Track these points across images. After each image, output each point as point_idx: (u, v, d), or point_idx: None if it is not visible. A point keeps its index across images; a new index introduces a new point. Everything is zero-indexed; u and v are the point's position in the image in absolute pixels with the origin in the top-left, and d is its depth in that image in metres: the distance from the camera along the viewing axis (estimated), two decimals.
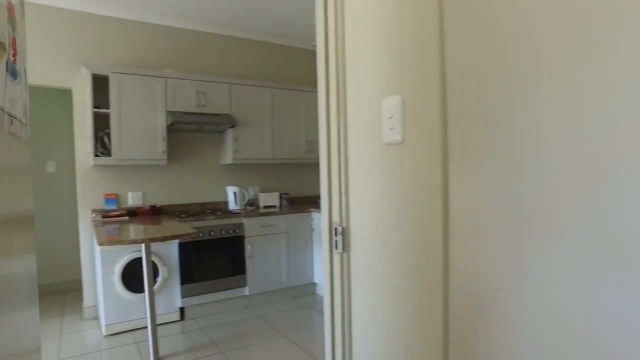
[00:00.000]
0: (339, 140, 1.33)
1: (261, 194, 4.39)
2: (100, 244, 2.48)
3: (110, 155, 3.53)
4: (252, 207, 4.33)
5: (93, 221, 3.48)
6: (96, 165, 3.69)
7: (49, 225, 4.53)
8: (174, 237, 2.62)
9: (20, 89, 0.83)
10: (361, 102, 1.25)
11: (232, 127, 4.00)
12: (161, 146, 3.71)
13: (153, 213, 3.78)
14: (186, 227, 2.94)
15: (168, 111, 3.72)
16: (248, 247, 3.86)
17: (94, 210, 3.70)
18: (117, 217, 3.57)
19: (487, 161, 0.86)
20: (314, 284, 4.33)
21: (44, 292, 4.46)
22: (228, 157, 4.14)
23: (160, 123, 3.70)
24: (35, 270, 1.09)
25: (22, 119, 0.84)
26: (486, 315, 0.86)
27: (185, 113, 3.78)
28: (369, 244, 1.24)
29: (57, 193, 4.55)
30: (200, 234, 3.62)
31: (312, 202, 4.84)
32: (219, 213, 3.85)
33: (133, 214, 3.79)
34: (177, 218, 3.59)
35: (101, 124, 3.62)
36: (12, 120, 0.74)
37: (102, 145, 3.59)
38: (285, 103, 4.37)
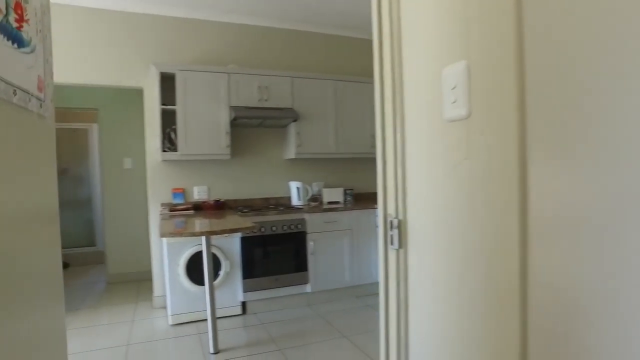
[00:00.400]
0: (394, 120, 1.16)
1: (325, 190, 4.28)
2: (162, 235, 2.51)
3: (176, 151, 3.62)
4: (315, 202, 4.24)
5: (161, 214, 3.58)
6: (164, 161, 3.81)
7: (127, 218, 4.79)
8: (231, 231, 2.59)
9: (34, 60, 0.76)
10: (419, 74, 1.07)
11: (295, 121, 3.93)
12: (224, 141, 3.73)
13: (217, 207, 3.82)
14: (246, 222, 2.90)
15: (231, 106, 3.74)
16: (310, 244, 3.77)
17: (162, 204, 3.82)
18: (183, 211, 3.65)
19: (586, 137, 0.65)
20: (378, 284, 4.13)
21: (121, 280, 4.72)
22: (291, 152, 4.09)
23: (223, 118, 3.73)
24: (60, 263, 1.05)
25: (36, 92, 0.77)
26: (583, 338, 0.65)
27: (247, 108, 3.77)
28: (429, 240, 1.06)
29: (132, 188, 4.79)
30: (262, 229, 3.59)
31: (377, 198, 4.65)
32: (281, 208, 3.80)
33: (198, 208, 3.86)
34: (239, 213, 3.59)
35: (168, 120, 3.72)
36: (15, 91, 0.67)
37: (169, 141, 3.69)
38: (348, 96, 4.23)
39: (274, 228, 3.64)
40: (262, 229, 3.60)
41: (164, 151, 3.60)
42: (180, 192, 3.89)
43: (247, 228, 2.67)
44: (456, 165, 0.94)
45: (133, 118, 4.74)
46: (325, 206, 4.00)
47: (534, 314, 0.74)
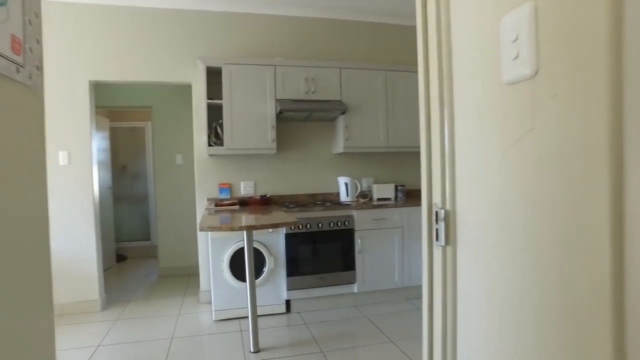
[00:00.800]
0: (440, 90, 0.96)
1: (375, 186, 4.08)
2: (200, 229, 2.44)
3: (222, 145, 3.58)
4: (364, 199, 4.05)
5: (206, 209, 3.56)
6: (210, 155, 3.79)
7: (177, 214, 4.86)
8: (272, 226, 2.47)
9: (5, 14, 0.65)
10: (470, 29, 0.87)
11: (343, 113, 3.76)
12: (271, 135, 3.64)
13: (263, 203, 3.75)
14: (289, 217, 2.78)
15: (277, 99, 3.65)
16: (358, 242, 3.59)
17: (209, 199, 3.81)
18: (228, 206, 3.60)
19: None
20: None
21: (172, 274, 4.79)
22: (339, 146, 3.92)
23: (269, 111, 3.64)
24: (49, 272, 0.95)
25: (10, 53, 0.67)
26: None
27: (294, 100, 3.66)
28: (482, 236, 0.85)
29: (183, 183, 4.85)
30: (308, 226, 3.46)
31: None
32: (328, 204, 3.65)
33: (244, 203, 3.81)
34: (284, 208, 3.48)
35: (215, 114, 3.70)
36: None
37: (215, 136, 3.66)
38: (399, 86, 3.99)
39: (320, 224, 3.50)
40: (308, 226, 3.47)
41: (210, 145, 3.58)
42: (227, 187, 3.85)
43: (288, 223, 2.54)
44: (517, 140, 0.74)
45: (184, 115, 4.80)
46: (375, 202, 3.80)
47: (635, 330, 0.52)
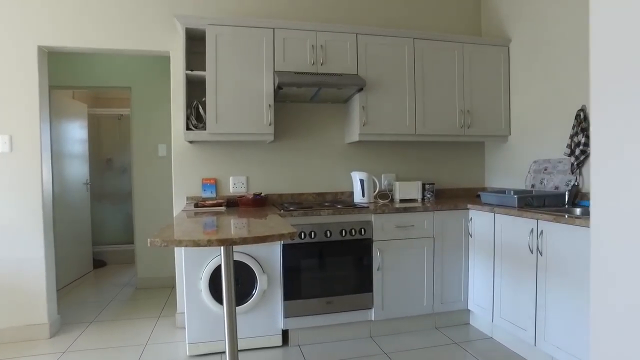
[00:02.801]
0: None
1: (397, 183, 3.23)
2: (150, 243, 1.62)
3: (205, 129, 2.76)
4: (385, 199, 3.21)
5: (184, 210, 2.74)
6: (192, 143, 2.98)
7: (159, 214, 4.06)
8: (255, 240, 1.64)
9: None
10: None
11: (360, 90, 2.92)
12: (267, 117, 2.82)
13: (257, 204, 2.92)
14: (284, 225, 1.95)
15: (276, 71, 2.82)
16: (377, 255, 2.75)
17: (189, 198, 3.00)
18: (211, 207, 2.78)
19: None
20: (467, 312, 3.02)
21: (151, 285, 3.99)
22: (353, 133, 3.08)
23: (266, 87, 2.82)
24: None
25: None
26: None
27: (297, 73, 2.83)
28: None
29: (167, 178, 4.05)
30: (312, 234, 2.63)
31: (468, 196, 3.51)
32: (339, 206, 2.81)
33: (233, 203, 2.99)
34: (283, 211, 2.65)
35: (196, 90, 2.90)
36: None
37: (196, 117, 2.84)
38: (430, 59, 3.14)
39: (328, 233, 2.66)
40: (313, 234, 2.63)
41: (189, 129, 2.76)
42: (212, 184, 3.03)
43: (281, 236, 1.71)
44: None
45: (168, 97, 4.00)
46: (398, 205, 2.96)
47: None
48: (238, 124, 2.77)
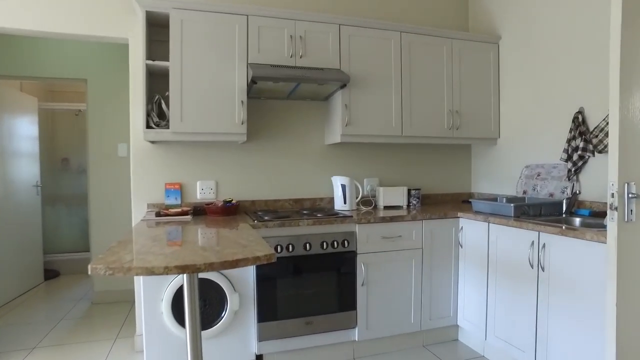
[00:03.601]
0: None
1: (381, 189, 2.96)
2: (92, 271, 1.27)
3: (167, 127, 2.40)
4: (368, 207, 2.93)
5: (144, 220, 2.38)
6: (153, 143, 2.61)
7: (119, 220, 3.65)
8: (224, 266, 1.31)
9: None
10: None
11: (343, 87, 2.62)
12: (239, 114, 2.48)
13: (227, 212, 2.58)
14: (259, 242, 1.63)
15: (250, 64, 2.49)
16: (362, 269, 2.46)
17: (151, 205, 2.62)
18: (175, 217, 2.43)
19: None
20: (456, 328, 2.79)
21: (109, 300, 3.57)
22: (335, 134, 2.79)
23: (238, 81, 2.48)
24: None
25: None
26: None
27: (273, 66, 2.51)
28: None
29: (127, 180, 3.64)
30: (290, 247, 2.32)
31: (454, 202, 3.28)
32: (319, 215, 2.51)
33: (200, 211, 2.64)
34: (256, 221, 2.33)
35: (159, 83, 2.54)
36: None
37: (158, 114, 2.48)
38: (419, 55, 2.88)
39: (308, 245, 2.35)
40: (290, 247, 2.32)
41: (150, 127, 2.39)
42: (176, 189, 2.67)
43: (252, 261, 1.39)
44: None
45: (128, 90, 3.60)
46: (383, 212, 2.69)
47: None
48: (206, 123, 2.43)
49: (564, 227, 1.96)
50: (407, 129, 2.84)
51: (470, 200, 2.75)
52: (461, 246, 2.67)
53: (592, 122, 2.41)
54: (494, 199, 2.80)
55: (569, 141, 2.49)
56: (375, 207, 2.98)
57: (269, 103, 2.89)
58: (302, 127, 2.96)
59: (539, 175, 2.74)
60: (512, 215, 2.37)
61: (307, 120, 2.98)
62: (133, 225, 2.60)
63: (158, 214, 2.45)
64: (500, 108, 3.11)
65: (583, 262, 1.84)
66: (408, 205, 3.02)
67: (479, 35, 3.02)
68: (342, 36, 2.68)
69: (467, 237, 2.62)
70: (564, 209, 2.43)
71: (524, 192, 2.83)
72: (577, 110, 2.48)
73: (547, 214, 2.44)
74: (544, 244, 2.06)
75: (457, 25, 3.39)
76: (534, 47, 2.81)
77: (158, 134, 2.37)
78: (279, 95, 2.80)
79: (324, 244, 2.39)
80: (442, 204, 3.23)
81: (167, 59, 2.44)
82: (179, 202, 2.67)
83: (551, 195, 2.62)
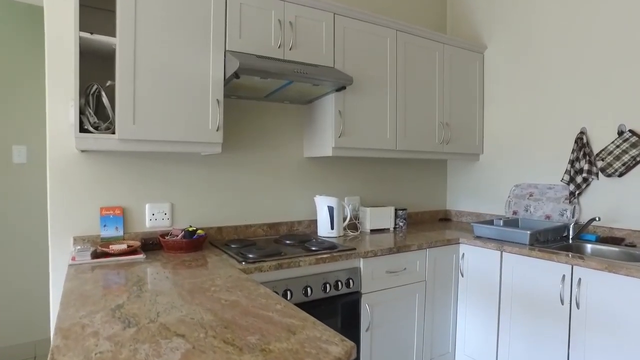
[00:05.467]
0: None
1: (368, 210, 2.49)
2: None
3: (112, 132, 1.64)
4: (354, 231, 2.45)
5: (72, 264, 1.58)
6: (83, 152, 1.81)
7: (15, 255, 2.64)
8: None
9: None
10: None
11: (341, 89, 2.09)
12: (213, 118, 1.81)
13: (193, 246, 1.88)
14: (287, 309, 1.06)
15: (230, 51, 1.84)
16: (367, 312, 1.97)
17: (78, 240, 1.81)
18: (122, 256, 1.67)
19: None
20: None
21: (5, 356, 2.57)
22: (323, 146, 2.25)
23: (213, 73, 1.81)
24: None
25: None
26: None
27: (260, 57, 1.89)
28: None
29: (28, 198, 2.65)
30: (289, 294, 1.73)
31: (432, 221, 2.95)
32: (312, 247, 1.96)
33: (153, 246, 1.90)
34: (243, 262, 1.69)
35: (95, 68, 1.76)
36: None
37: (96, 111, 1.69)
38: (413, 58, 2.49)
39: (309, 290, 1.78)
40: (289, 294, 1.73)
41: (84, 131, 1.61)
42: (117, 215, 1.89)
43: None
44: None
45: (36, 72, 2.63)
46: (370, 237, 2.24)
47: None
48: (168, 128, 1.71)
49: (612, 261, 1.70)
50: (402, 142, 2.43)
51: (472, 223, 2.42)
52: (462, 275, 2.34)
53: (595, 144, 2.25)
54: (489, 221, 2.51)
55: (571, 162, 2.30)
56: (360, 231, 2.51)
57: (240, 104, 2.24)
58: (279, 135, 2.36)
59: (531, 195, 2.53)
60: (527, 243, 2.09)
61: (285, 127, 2.39)
62: (51, 272, 1.76)
63: (96, 254, 1.67)
64: (485, 123, 2.87)
65: (634, 301, 1.60)
66: (395, 228, 2.61)
67: (467, 42, 2.73)
68: (337, 28, 2.16)
69: (471, 265, 2.29)
70: (572, 233, 2.23)
71: (514, 213, 2.61)
72: (580, 131, 2.30)
73: (552, 239, 2.22)
74: (580, 278, 1.80)
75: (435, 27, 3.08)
76: (526, 62, 2.60)
77: (98, 141, 1.59)
78: (256, 95, 2.17)
79: (326, 285, 1.84)
80: (422, 224, 2.89)
81: (110, 34, 1.67)
82: (120, 233, 1.89)
83: (548, 217, 2.42)
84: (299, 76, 1.85)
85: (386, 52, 2.34)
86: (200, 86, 1.78)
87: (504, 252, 2.11)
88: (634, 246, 2.05)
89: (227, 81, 1.85)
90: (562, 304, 1.87)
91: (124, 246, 1.75)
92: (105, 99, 1.67)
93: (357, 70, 2.24)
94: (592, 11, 2.27)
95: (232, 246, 1.97)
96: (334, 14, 2.14)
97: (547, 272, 1.92)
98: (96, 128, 1.63)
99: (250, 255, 1.75)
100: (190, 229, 1.92)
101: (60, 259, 1.77)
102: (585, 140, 2.26)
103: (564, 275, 1.86)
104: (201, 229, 2.08)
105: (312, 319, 1.04)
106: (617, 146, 2.13)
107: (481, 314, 2.23)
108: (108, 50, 1.71)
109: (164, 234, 1.94)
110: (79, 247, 1.74)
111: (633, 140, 2.08)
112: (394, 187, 2.85)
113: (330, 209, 2.28)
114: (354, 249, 1.96)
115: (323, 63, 2.11)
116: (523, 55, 2.61)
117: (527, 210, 2.53)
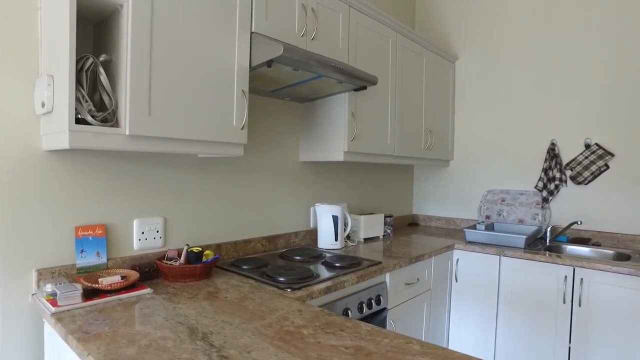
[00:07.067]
0: None
1: (362, 218, 2.30)
2: None
3: (115, 124, 1.17)
4: (351, 241, 2.24)
5: (57, 312, 1.08)
6: (52, 152, 1.28)
7: None
8: None
9: None
10: None
11: (361, 89, 1.87)
12: (239, 113, 1.44)
13: (203, 273, 1.47)
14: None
15: (257, 33, 1.48)
16: (392, 329, 1.79)
17: (45, 273, 1.26)
18: (118, 294, 1.21)
19: None
20: None
21: None
22: (333, 150, 1.98)
23: (238, 59, 1.43)
24: None
25: None
26: None
27: (292, 46, 1.56)
28: None
29: None
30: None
31: (403, 226, 2.89)
32: (336, 264, 1.71)
33: (149, 274, 1.44)
34: (273, 286, 1.36)
35: (81, 37, 1.27)
36: None
37: (91, 94, 1.19)
38: (408, 62, 2.38)
39: (349, 313, 1.54)
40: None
41: (81, 122, 1.11)
42: (98, 237, 1.38)
43: None
44: None
45: None
46: (364, 247, 2.08)
47: None
48: (190, 123, 1.30)
49: (611, 262, 1.82)
50: (399, 148, 2.30)
51: (464, 229, 2.40)
52: (456, 280, 2.31)
53: (564, 154, 2.44)
54: (473, 226, 2.53)
55: (545, 171, 2.45)
56: (355, 240, 2.31)
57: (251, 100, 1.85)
58: (277, 136, 2.03)
59: (503, 200, 2.64)
60: (523, 247, 2.15)
61: (283, 127, 2.06)
62: (10, 314, 1.20)
63: (87, 294, 1.17)
64: (455, 130, 2.91)
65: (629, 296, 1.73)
66: (384, 235, 2.47)
67: (444, 51, 2.72)
68: (351, 22, 1.93)
69: (465, 270, 2.27)
70: (549, 236, 2.36)
71: (487, 217, 2.69)
72: (551, 142, 2.46)
73: (533, 241, 2.34)
74: (582, 278, 1.89)
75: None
76: (494, 77, 2.71)
77: (100, 137, 1.11)
78: (265, 88, 1.82)
79: (361, 306, 1.61)
80: (398, 229, 2.81)
81: None
82: (104, 259, 1.38)
83: (520, 221, 2.55)
84: (336, 71, 1.58)
85: (388, 53, 2.19)
86: (225, 73, 1.39)
87: (502, 257, 2.14)
88: (599, 245, 2.25)
89: (252, 68, 1.49)
90: (564, 302, 1.94)
91: (117, 278, 1.27)
92: (104, 78, 1.19)
93: (366, 70, 2.04)
94: (559, 37, 2.45)
95: (244, 267, 1.61)
96: (349, 6, 1.91)
97: (548, 274, 1.99)
98: (95, 118, 1.14)
99: (281, 279, 1.44)
100: (196, 250, 1.50)
101: (19, 306, 1.21)
102: (556, 151, 2.43)
103: (565, 276, 1.94)
104: (198, 246, 1.66)
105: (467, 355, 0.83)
106: (586, 157, 2.33)
107: (477, 315, 2.23)
108: (104, 11, 1.22)
109: (161, 257, 1.49)
110: (51, 285, 1.21)
111: (600, 153, 2.29)
112: (364, 193, 2.71)
113: (335, 219, 2.03)
114: (380, 262, 1.77)
115: (338, 57, 1.86)
116: (491, 74, 2.72)
117: (500, 215, 2.63)
